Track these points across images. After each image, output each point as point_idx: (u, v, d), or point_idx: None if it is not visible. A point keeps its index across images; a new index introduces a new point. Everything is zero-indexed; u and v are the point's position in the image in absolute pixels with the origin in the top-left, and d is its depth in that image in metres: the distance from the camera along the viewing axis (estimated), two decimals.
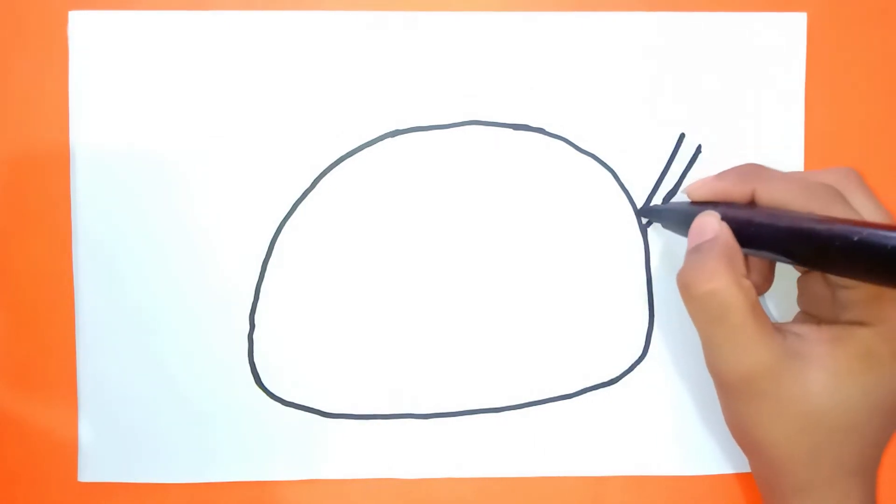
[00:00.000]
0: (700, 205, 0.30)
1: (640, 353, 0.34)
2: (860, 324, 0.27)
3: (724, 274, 0.27)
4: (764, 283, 0.30)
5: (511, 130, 0.33)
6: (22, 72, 0.33)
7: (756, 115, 0.33)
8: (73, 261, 0.33)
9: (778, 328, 0.28)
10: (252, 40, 0.33)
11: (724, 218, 0.28)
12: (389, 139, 0.33)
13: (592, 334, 0.34)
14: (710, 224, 0.28)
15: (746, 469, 0.34)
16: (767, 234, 0.27)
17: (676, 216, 0.31)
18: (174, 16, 0.33)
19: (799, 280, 0.31)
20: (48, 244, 0.33)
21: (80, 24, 0.33)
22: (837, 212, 0.26)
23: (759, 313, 0.27)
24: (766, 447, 0.28)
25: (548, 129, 0.33)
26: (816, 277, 0.29)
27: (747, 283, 0.27)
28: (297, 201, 0.33)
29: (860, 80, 0.34)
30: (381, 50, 0.33)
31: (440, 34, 0.33)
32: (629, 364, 0.34)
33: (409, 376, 0.33)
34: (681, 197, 0.33)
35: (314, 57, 0.33)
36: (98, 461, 0.33)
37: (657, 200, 0.34)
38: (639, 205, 0.34)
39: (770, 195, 0.28)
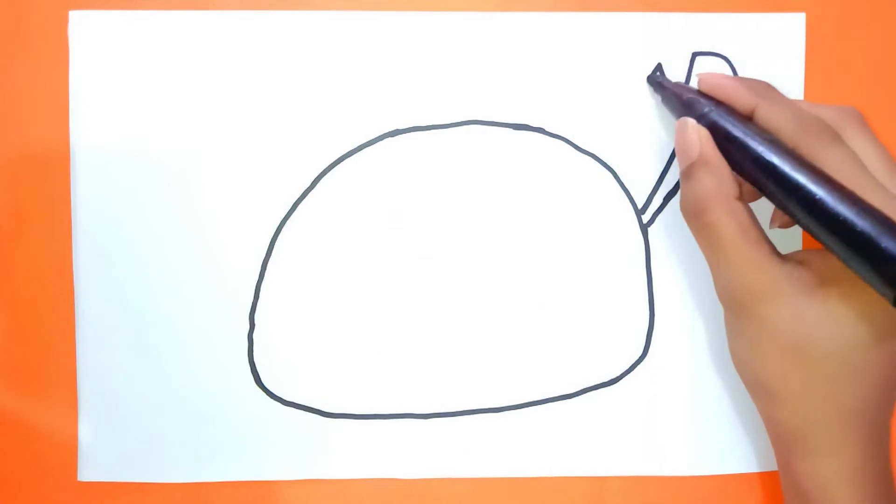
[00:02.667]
0: (703, 98, 0.30)
1: (640, 353, 0.34)
2: None
3: (715, 203, 0.27)
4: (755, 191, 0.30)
5: (511, 130, 0.33)
6: (22, 71, 0.33)
7: None
8: (73, 261, 0.33)
9: (778, 254, 0.27)
10: (252, 40, 0.33)
11: (715, 124, 0.28)
12: (389, 139, 0.33)
13: (592, 334, 0.34)
14: (691, 141, 0.28)
15: (747, 469, 0.34)
16: (742, 158, 0.27)
17: (675, 100, 0.31)
18: (174, 16, 0.33)
19: None
20: (48, 244, 0.33)
21: (81, 23, 0.33)
22: (828, 151, 0.26)
23: (755, 237, 0.27)
24: (763, 378, 0.28)
25: (548, 129, 0.33)
26: None
27: (738, 205, 0.27)
28: (297, 201, 0.33)
29: (859, 79, 0.34)
30: (381, 50, 0.33)
31: (440, 34, 0.33)
32: (629, 364, 0.34)
33: (409, 376, 0.33)
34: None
35: (314, 57, 0.33)
36: (98, 461, 0.33)
37: (657, 200, 0.34)
38: (639, 204, 0.34)
39: (765, 116, 0.28)
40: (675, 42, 0.33)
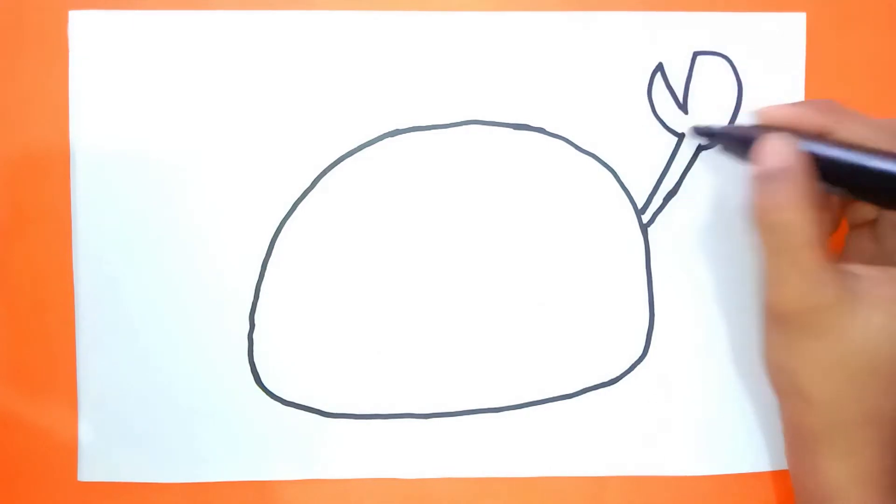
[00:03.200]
0: (768, 130, 0.29)
1: (640, 353, 0.34)
2: None
3: (798, 205, 0.26)
4: (832, 224, 0.30)
5: (511, 130, 0.33)
6: (22, 71, 0.33)
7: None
8: (73, 261, 0.33)
9: (836, 266, 0.27)
10: (252, 40, 0.33)
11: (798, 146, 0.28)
12: (389, 139, 0.33)
13: (592, 334, 0.34)
14: (784, 150, 0.27)
15: (746, 469, 0.34)
16: (844, 168, 0.27)
17: (741, 138, 0.30)
18: (174, 16, 0.33)
19: (847, 237, 0.31)
20: (48, 244, 0.33)
21: (81, 23, 0.33)
22: None
23: (826, 250, 0.27)
24: (799, 383, 0.27)
25: (548, 129, 0.33)
26: (865, 234, 0.29)
27: (818, 217, 0.27)
28: (297, 201, 0.33)
29: (860, 79, 0.34)
30: (381, 50, 0.33)
31: (440, 34, 0.33)
32: (629, 364, 0.34)
33: (409, 376, 0.33)
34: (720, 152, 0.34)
35: (314, 57, 0.33)
36: (98, 461, 0.33)
37: (657, 200, 0.34)
38: (639, 204, 0.34)
39: (849, 131, 0.28)
40: (675, 41, 0.33)
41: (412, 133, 0.33)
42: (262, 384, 0.33)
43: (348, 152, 0.33)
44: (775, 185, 0.27)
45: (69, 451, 0.33)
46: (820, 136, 0.28)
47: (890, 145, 0.27)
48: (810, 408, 0.28)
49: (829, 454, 0.28)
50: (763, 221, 0.27)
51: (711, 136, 0.32)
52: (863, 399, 0.27)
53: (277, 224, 0.33)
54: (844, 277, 0.27)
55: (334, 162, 0.33)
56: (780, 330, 0.28)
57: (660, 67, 0.33)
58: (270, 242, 0.33)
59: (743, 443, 0.34)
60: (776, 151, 0.28)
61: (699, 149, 0.33)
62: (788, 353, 0.28)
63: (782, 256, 0.27)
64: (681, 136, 0.33)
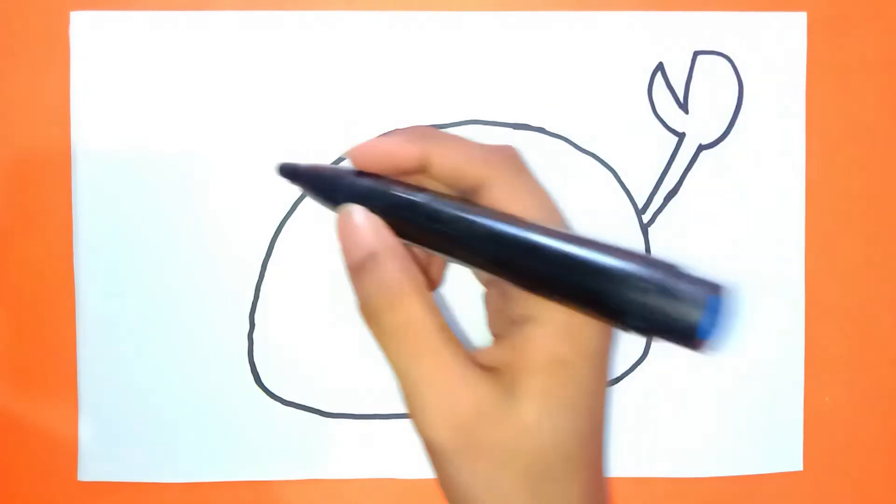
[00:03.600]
0: (360, 175, 0.25)
1: (640, 353, 0.34)
2: (531, 322, 0.23)
3: (409, 295, 0.22)
4: (435, 278, 0.27)
5: (511, 130, 0.33)
6: (23, 72, 0.33)
7: (757, 115, 0.33)
8: (73, 260, 0.33)
9: (474, 359, 0.24)
10: (253, 40, 0.33)
11: (391, 203, 0.24)
12: None
13: None
14: (362, 227, 0.23)
15: (746, 471, 0.34)
16: (434, 233, 0.23)
17: (327, 185, 0.25)
18: (175, 16, 0.33)
19: (484, 296, 0.28)
20: (49, 244, 0.33)
21: (82, 24, 0.33)
22: (520, 178, 0.24)
23: (453, 339, 0.23)
24: (483, 491, 0.23)
25: (548, 129, 0.33)
26: (495, 290, 0.26)
27: (431, 297, 0.23)
28: (296, 201, 0.33)
29: (861, 79, 0.34)
30: (381, 50, 0.33)
31: (440, 34, 0.33)
32: (629, 364, 0.34)
33: None
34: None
35: (315, 57, 0.33)
36: (98, 460, 0.33)
37: (657, 200, 0.33)
38: (639, 204, 0.34)
39: (445, 160, 0.24)
40: (676, 41, 0.33)
41: None
42: (262, 384, 0.33)
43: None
44: (373, 278, 0.23)
45: (69, 451, 0.33)
46: (419, 171, 0.25)
47: (479, 173, 0.24)
48: None
49: None
50: (380, 327, 0.23)
51: (294, 178, 0.27)
52: (569, 485, 0.23)
53: (277, 224, 0.33)
54: (482, 371, 0.23)
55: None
56: (445, 455, 0.23)
57: (660, 67, 0.33)
58: (270, 242, 0.33)
59: (743, 444, 0.34)
60: (352, 232, 0.23)
61: (699, 149, 0.33)
62: (467, 478, 0.23)
63: (415, 361, 0.23)
64: (681, 136, 0.33)
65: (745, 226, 0.34)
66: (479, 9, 0.33)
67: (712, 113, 0.33)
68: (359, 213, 0.24)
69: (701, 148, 0.33)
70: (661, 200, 0.33)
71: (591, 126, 0.33)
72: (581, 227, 0.33)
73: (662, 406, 0.34)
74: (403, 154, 0.24)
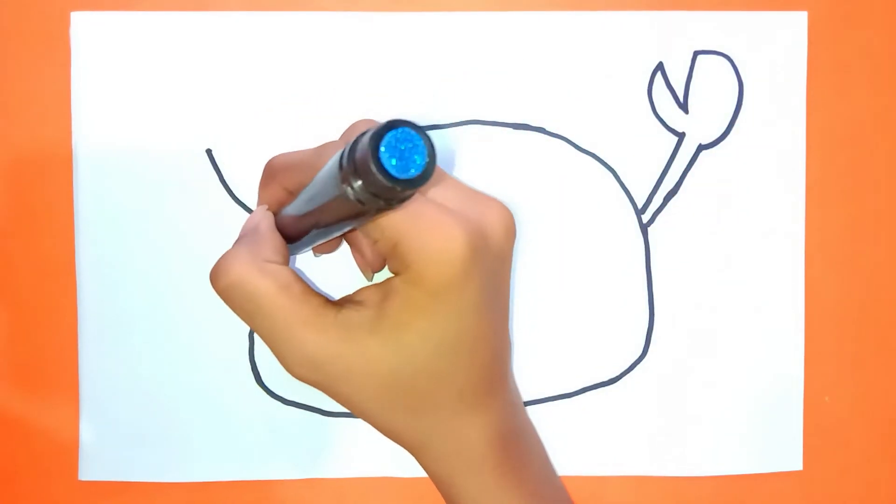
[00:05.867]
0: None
1: (640, 353, 0.34)
2: (396, 273, 0.25)
3: (241, 262, 0.25)
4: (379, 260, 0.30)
5: (511, 130, 0.33)
6: (24, 72, 0.33)
7: (757, 115, 0.33)
8: (75, 260, 0.33)
9: (332, 303, 0.26)
10: (253, 41, 0.33)
11: (284, 214, 0.27)
12: None
13: (592, 334, 0.34)
14: (252, 216, 0.28)
15: (746, 470, 0.34)
16: (303, 209, 0.25)
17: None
18: (176, 17, 0.33)
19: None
20: (50, 243, 0.33)
21: (82, 24, 0.33)
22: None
23: (300, 294, 0.26)
24: (373, 417, 0.27)
25: (548, 129, 0.33)
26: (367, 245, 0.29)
27: (275, 266, 0.26)
28: None
29: (861, 78, 0.34)
30: (380, 50, 0.33)
31: (440, 34, 0.33)
32: (629, 364, 0.34)
33: None
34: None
35: (315, 57, 0.33)
36: (99, 460, 0.33)
37: (657, 200, 0.33)
38: (639, 204, 0.34)
39: (291, 181, 0.27)
40: (676, 41, 0.33)
41: None
42: (263, 383, 0.33)
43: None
44: (231, 250, 0.27)
45: (70, 450, 0.33)
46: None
47: (313, 168, 0.26)
48: (399, 434, 0.28)
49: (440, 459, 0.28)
50: (216, 290, 0.26)
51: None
52: (440, 401, 0.27)
53: None
54: (337, 313, 0.26)
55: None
56: (330, 393, 0.27)
57: (660, 67, 0.33)
58: None
59: (743, 443, 0.34)
60: (250, 219, 0.28)
61: (699, 149, 0.33)
62: (356, 406, 0.27)
63: (255, 320, 0.26)
64: (681, 136, 0.33)
65: (745, 226, 0.34)
66: (479, 9, 0.33)
67: (712, 113, 0.33)
68: (258, 209, 0.28)
69: (701, 148, 0.33)
70: (660, 200, 0.33)
71: (591, 126, 0.33)
72: (581, 227, 0.33)
73: (662, 406, 0.34)
74: (273, 195, 0.28)
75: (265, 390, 0.33)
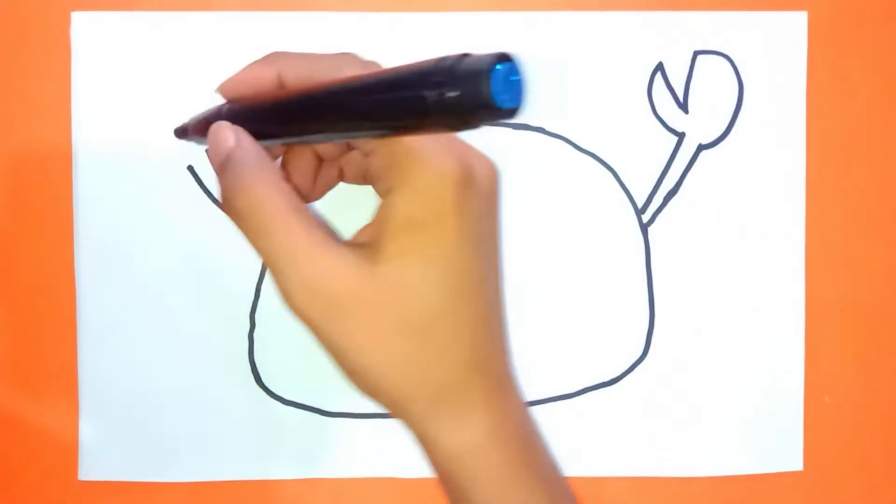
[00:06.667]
0: (233, 105, 0.27)
1: (640, 353, 0.34)
2: (388, 192, 0.24)
3: (257, 179, 0.24)
4: (310, 188, 0.29)
5: (511, 130, 0.33)
6: (25, 72, 0.33)
7: (757, 114, 0.33)
8: (74, 259, 0.33)
9: (336, 236, 0.25)
10: (253, 41, 0.33)
11: (250, 113, 0.26)
12: None
13: (592, 334, 0.34)
14: (224, 134, 0.26)
15: (746, 470, 0.34)
16: (296, 111, 0.25)
17: (204, 125, 0.28)
18: (176, 17, 0.33)
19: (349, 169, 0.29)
20: (50, 243, 0.33)
21: (83, 24, 0.33)
22: (351, 66, 0.25)
23: (311, 218, 0.25)
24: (377, 376, 0.25)
25: (548, 129, 0.33)
26: (355, 158, 0.28)
27: (286, 186, 0.25)
28: None
29: (861, 78, 0.34)
30: (381, 50, 0.33)
31: (440, 34, 0.33)
32: (629, 364, 0.34)
33: None
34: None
35: None
36: (98, 460, 0.33)
37: (657, 200, 0.33)
38: (639, 204, 0.34)
39: (294, 71, 0.26)
40: (676, 41, 0.33)
41: None
42: (263, 384, 0.33)
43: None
44: (228, 173, 0.25)
45: (70, 450, 0.33)
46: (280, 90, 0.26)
47: (326, 75, 0.25)
48: (403, 393, 0.25)
49: (441, 425, 0.26)
50: (232, 214, 0.25)
51: (185, 135, 0.30)
52: (454, 347, 0.25)
53: None
54: (347, 246, 0.25)
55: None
56: (321, 326, 0.25)
57: (660, 67, 0.33)
58: None
59: (743, 443, 0.34)
60: (215, 140, 0.26)
61: (699, 149, 0.33)
62: (344, 345, 0.25)
63: (267, 241, 0.24)
64: (681, 136, 0.33)
65: (745, 226, 0.34)
66: (478, 9, 0.33)
67: (712, 113, 0.33)
68: (222, 125, 0.26)
69: (701, 148, 0.33)
70: (660, 200, 0.33)
71: (591, 126, 0.33)
72: (581, 227, 0.33)
73: (662, 406, 0.34)
74: (260, 76, 0.27)
75: (265, 390, 0.33)
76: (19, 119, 0.33)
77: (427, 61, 0.21)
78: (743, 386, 0.34)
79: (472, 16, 0.33)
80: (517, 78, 0.21)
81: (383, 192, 0.25)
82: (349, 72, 0.25)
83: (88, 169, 0.33)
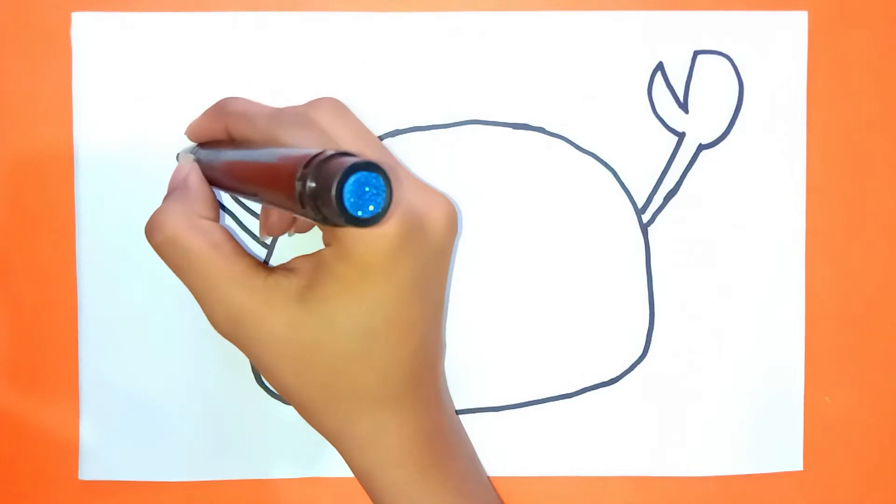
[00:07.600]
0: (207, 148, 0.29)
1: (640, 353, 0.34)
2: (327, 245, 0.26)
3: (177, 218, 0.26)
4: (289, 221, 0.30)
5: (511, 130, 0.33)
6: (25, 73, 0.33)
7: (757, 115, 0.33)
8: (75, 260, 0.33)
9: (263, 266, 0.27)
10: (253, 41, 0.33)
11: (213, 160, 0.28)
12: (389, 139, 0.33)
13: (592, 334, 0.34)
14: (180, 169, 0.28)
15: (746, 470, 0.34)
16: (220, 174, 0.26)
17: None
18: (177, 17, 0.33)
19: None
20: (51, 243, 0.33)
21: (83, 25, 0.33)
22: (296, 132, 0.26)
23: (230, 252, 0.26)
24: (292, 395, 0.27)
25: (548, 129, 0.33)
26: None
27: (207, 223, 0.27)
28: None
29: (862, 78, 0.34)
30: (381, 50, 0.33)
31: (440, 34, 0.33)
32: (629, 364, 0.34)
33: None
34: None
35: (314, 58, 0.33)
36: (99, 459, 0.33)
37: (657, 200, 0.33)
38: (639, 204, 0.34)
39: (236, 128, 0.27)
40: (676, 40, 0.33)
41: (412, 133, 0.33)
42: (263, 383, 0.33)
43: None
44: (163, 205, 0.27)
45: (70, 450, 0.33)
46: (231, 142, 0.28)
47: (265, 131, 0.26)
48: (318, 415, 0.27)
49: (358, 450, 0.28)
50: (151, 244, 0.27)
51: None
52: (359, 384, 0.26)
53: None
54: (266, 276, 0.26)
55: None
56: (242, 347, 0.27)
57: (660, 67, 0.33)
58: (272, 241, 0.33)
59: (743, 443, 0.34)
60: (175, 172, 0.28)
61: (699, 148, 0.33)
62: (263, 370, 0.27)
63: (185, 275, 0.26)
64: (681, 136, 0.33)
65: (745, 226, 0.34)
66: (479, 9, 0.33)
67: (712, 113, 0.33)
68: (183, 159, 0.29)
69: (701, 148, 0.33)
70: (661, 200, 0.33)
71: (591, 126, 0.33)
72: (581, 227, 0.33)
73: (662, 406, 0.34)
74: (210, 128, 0.29)
75: (265, 390, 0.33)
76: (20, 119, 0.33)
77: (305, 154, 0.22)
78: (743, 386, 0.34)
79: (473, 16, 0.33)
80: (371, 190, 0.21)
81: (324, 242, 0.26)
82: (284, 136, 0.25)
83: (89, 170, 0.33)
